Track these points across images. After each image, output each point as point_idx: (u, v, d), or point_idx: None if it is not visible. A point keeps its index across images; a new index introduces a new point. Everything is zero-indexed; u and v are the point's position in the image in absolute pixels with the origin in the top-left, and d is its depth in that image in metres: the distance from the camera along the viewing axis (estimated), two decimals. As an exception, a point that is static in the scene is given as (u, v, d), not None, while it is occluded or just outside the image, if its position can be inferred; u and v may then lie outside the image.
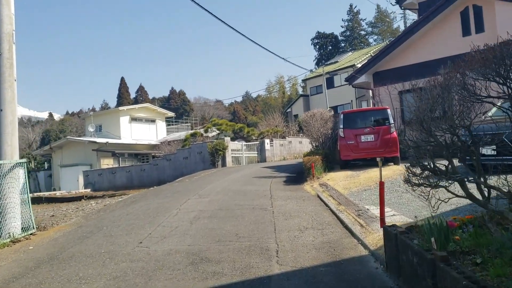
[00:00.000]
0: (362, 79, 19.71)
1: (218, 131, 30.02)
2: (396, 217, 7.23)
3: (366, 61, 20.83)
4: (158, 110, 40.88)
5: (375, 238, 6.24)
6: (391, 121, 14.55)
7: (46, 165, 38.40)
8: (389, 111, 14.77)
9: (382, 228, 5.46)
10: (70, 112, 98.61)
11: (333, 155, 17.33)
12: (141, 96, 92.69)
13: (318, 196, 10.82)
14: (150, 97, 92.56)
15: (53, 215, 11.63)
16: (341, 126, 14.82)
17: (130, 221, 8.70)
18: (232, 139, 28.78)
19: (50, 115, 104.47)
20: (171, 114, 43.07)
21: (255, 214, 8.66)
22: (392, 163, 14.93)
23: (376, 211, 8.12)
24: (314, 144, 18.35)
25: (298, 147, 33.29)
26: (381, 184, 7.02)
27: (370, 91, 20.61)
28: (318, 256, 5.69)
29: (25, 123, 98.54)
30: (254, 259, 5.62)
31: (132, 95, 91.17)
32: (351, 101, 43.83)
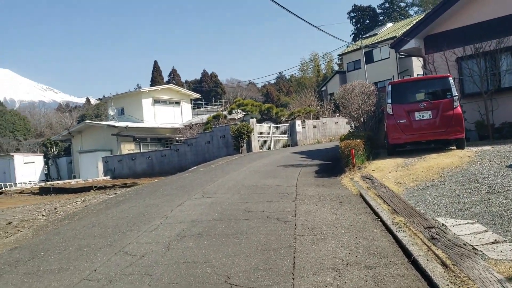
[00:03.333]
0: (410, 44, 16.24)
1: (243, 113, 27.11)
2: (505, 246, 4.21)
3: (416, 22, 17.29)
4: (183, 92, 38.25)
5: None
6: (454, 92, 11.29)
7: (68, 151, 36.80)
8: (451, 79, 11.48)
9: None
10: (106, 97, 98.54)
11: (377, 138, 14.18)
12: (174, 79, 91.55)
13: (362, 196, 7.81)
14: (183, 80, 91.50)
15: (10, 222, 9.16)
16: (389, 101, 11.65)
17: (88, 239, 6.00)
18: (260, 121, 25.88)
19: (87, 100, 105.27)
20: (196, 95, 40.38)
21: (268, 230, 5.77)
22: (455, 147, 11.75)
23: (458, 229, 5.09)
24: (353, 125, 15.21)
25: (334, 128, 30.05)
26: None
27: (421, 58, 17.11)
28: None
29: (63, 108, 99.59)
30: None
31: (165, 78, 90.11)
32: (393, 76, 40.00)
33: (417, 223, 5.49)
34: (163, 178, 18.16)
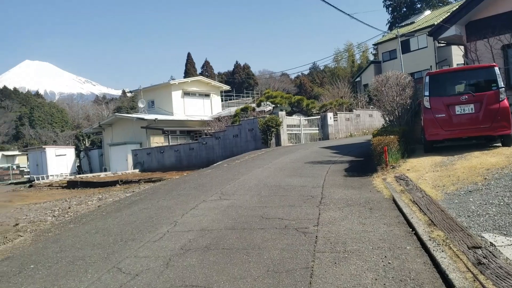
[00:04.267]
0: (450, 31, 15.07)
1: (272, 105, 26.30)
2: None
3: (457, 7, 16.01)
4: (212, 84, 37.73)
5: None
6: (501, 83, 10.20)
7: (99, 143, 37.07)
8: (497, 69, 10.37)
9: None
10: (136, 89, 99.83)
11: (413, 133, 13.17)
12: (206, 71, 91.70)
13: (394, 202, 6.98)
14: (215, 72, 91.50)
15: (17, 224, 8.80)
16: (427, 93, 10.66)
17: (85, 250, 5.45)
18: (290, 114, 25.05)
19: (123, 92, 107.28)
20: (226, 87, 39.78)
21: (285, 244, 5.05)
22: (500, 144, 10.69)
23: (509, 250, 4.21)
24: (387, 119, 14.21)
25: (368, 121, 28.87)
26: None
27: (462, 47, 15.85)
28: None
29: (100, 101, 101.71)
30: None
31: (198, 70, 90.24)
32: (430, 66, 38.23)
33: (459, 240, 4.64)
34: (188, 173, 17.72)
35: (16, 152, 47.74)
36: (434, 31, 15.84)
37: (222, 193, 8.58)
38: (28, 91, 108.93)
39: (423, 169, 9.22)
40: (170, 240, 5.49)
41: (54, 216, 9.69)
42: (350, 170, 10.67)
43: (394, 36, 39.26)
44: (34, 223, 8.59)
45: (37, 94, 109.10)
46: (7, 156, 47.76)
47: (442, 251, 4.36)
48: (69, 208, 10.85)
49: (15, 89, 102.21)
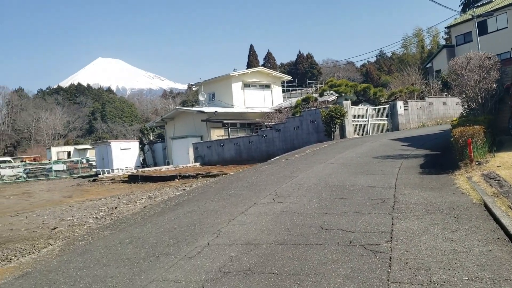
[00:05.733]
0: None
1: (336, 94, 24.77)
2: None
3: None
4: (273, 74, 36.61)
5: None
6: None
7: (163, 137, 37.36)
8: None
9: None
10: (197, 82, 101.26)
11: (500, 123, 11.39)
12: (269, 62, 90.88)
13: (487, 208, 5.62)
14: (278, 63, 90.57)
15: (56, 227, 8.27)
16: (520, 75, 8.93)
17: (109, 267, 4.68)
18: (355, 103, 23.43)
19: (189, 86, 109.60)
20: (287, 77, 38.49)
21: (348, 269, 3.94)
22: None
23: None
24: (467, 106, 12.46)
25: (442, 109, 26.53)
26: None
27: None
28: None
29: (167, 95, 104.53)
30: None
31: (261, 62, 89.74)
32: (511, 49, 34.58)
33: None
34: (247, 167, 16.91)
35: (88, 146, 49.60)
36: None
37: (276, 194, 7.57)
38: (100, 87, 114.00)
39: (518, 166, 7.65)
40: (209, 257, 4.56)
41: (97, 218, 9.18)
42: (426, 167, 9.24)
43: (470, 17, 36.03)
44: (72, 227, 8.10)
45: (109, 90, 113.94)
46: (79, 150, 49.81)
47: None
48: (115, 208, 10.35)
49: (88, 85, 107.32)
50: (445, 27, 47.14)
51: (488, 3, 41.98)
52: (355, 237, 4.81)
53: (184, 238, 5.42)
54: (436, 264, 3.89)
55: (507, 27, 36.30)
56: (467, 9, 53.29)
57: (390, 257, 4.12)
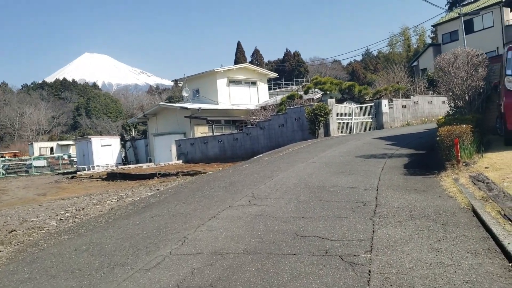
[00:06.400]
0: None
1: (321, 92, 24.37)
2: None
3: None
4: (259, 71, 36.10)
5: None
6: None
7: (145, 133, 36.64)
8: None
9: None
10: (181, 78, 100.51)
11: (487, 122, 11.07)
12: (256, 59, 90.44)
13: (476, 214, 5.21)
14: (265, 60, 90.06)
15: (13, 230, 7.69)
16: (509, 72, 8.60)
17: (56, 280, 4.15)
18: (340, 101, 23.07)
19: (175, 82, 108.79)
20: (274, 74, 38.03)
21: (322, 284, 3.48)
22: None
23: None
24: (453, 104, 12.13)
25: (427, 108, 26.33)
26: None
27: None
28: None
29: (153, 91, 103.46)
30: None
31: (248, 59, 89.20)
32: (497, 48, 34.68)
33: None
34: (231, 165, 16.43)
35: (71, 142, 48.60)
36: (512, 0, 13.42)
37: (253, 196, 7.09)
38: (86, 82, 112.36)
39: (506, 167, 7.29)
40: (168, 269, 4.06)
41: (60, 219, 8.58)
42: (411, 167, 8.85)
43: (457, 15, 35.98)
44: (31, 230, 7.51)
45: (94, 85, 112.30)
46: (62, 145, 48.78)
47: None
48: (83, 209, 9.76)
49: (74, 81, 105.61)
50: (432, 26, 47.23)
51: (474, 1, 42.04)
52: (332, 245, 4.36)
53: (145, 246, 4.91)
54: (420, 280, 3.45)
55: (492, 26, 36.41)
56: (454, 8, 53.39)
57: (369, 271, 3.67)
